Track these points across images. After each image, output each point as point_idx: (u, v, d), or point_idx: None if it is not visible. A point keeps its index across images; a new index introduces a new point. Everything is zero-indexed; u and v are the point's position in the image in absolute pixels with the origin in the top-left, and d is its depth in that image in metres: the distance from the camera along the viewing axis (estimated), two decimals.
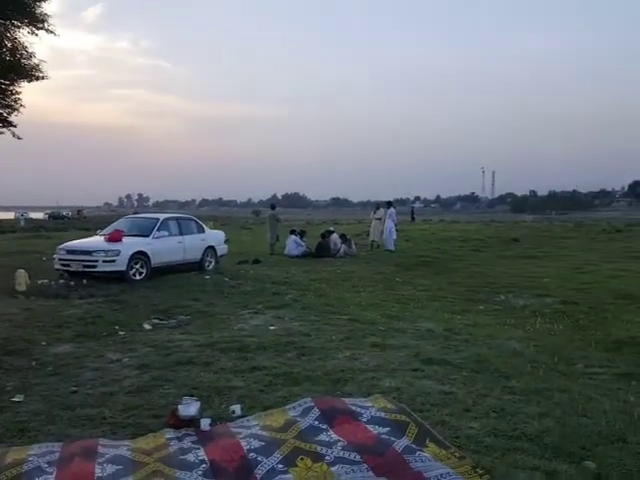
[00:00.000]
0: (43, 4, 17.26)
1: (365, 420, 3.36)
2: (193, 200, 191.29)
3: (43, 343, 5.79)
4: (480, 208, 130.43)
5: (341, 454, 2.97)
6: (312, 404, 3.56)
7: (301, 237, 16.22)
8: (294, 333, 6.08)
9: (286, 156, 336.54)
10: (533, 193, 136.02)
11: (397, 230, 17.93)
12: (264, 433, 3.22)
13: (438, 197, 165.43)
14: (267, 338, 5.81)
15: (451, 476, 2.71)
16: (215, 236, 12.84)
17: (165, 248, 10.86)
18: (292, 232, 16.22)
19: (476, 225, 32.92)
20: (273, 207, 18.27)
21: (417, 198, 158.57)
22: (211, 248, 12.13)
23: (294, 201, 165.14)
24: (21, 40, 17.48)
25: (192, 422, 3.41)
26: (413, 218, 40.69)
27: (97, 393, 4.18)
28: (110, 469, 2.86)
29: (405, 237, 21.07)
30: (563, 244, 20.30)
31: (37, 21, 17.18)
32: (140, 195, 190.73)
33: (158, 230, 10.97)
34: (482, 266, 13.95)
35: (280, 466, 2.88)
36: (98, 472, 2.82)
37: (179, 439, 3.24)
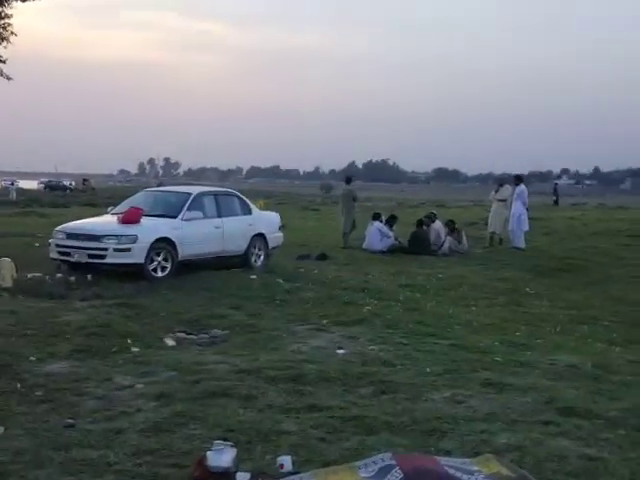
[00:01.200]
0: None
1: None
2: (239, 168, 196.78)
3: (32, 359, 6.17)
4: None
5: None
6: (393, 462, 3.55)
7: (389, 225, 16.21)
8: (372, 361, 6.14)
9: (371, 108, 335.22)
10: None
11: (530, 218, 17.48)
12: None
13: (596, 171, 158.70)
14: (333, 366, 5.90)
15: None
16: (266, 220, 13.15)
17: (198, 235, 11.24)
18: (375, 217, 16.23)
19: None
20: (349, 181, 18.36)
21: (564, 171, 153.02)
22: (260, 236, 12.41)
23: (381, 173, 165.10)
24: None
25: (225, 476, 3.53)
26: (557, 201, 40.46)
27: (100, 429, 4.41)
28: None
29: (543, 228, 20.56)
30: None
31: None
32: (167, 160, 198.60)
33: (189, 210, 11.37)
34: None
35: None
36: None
37: None
